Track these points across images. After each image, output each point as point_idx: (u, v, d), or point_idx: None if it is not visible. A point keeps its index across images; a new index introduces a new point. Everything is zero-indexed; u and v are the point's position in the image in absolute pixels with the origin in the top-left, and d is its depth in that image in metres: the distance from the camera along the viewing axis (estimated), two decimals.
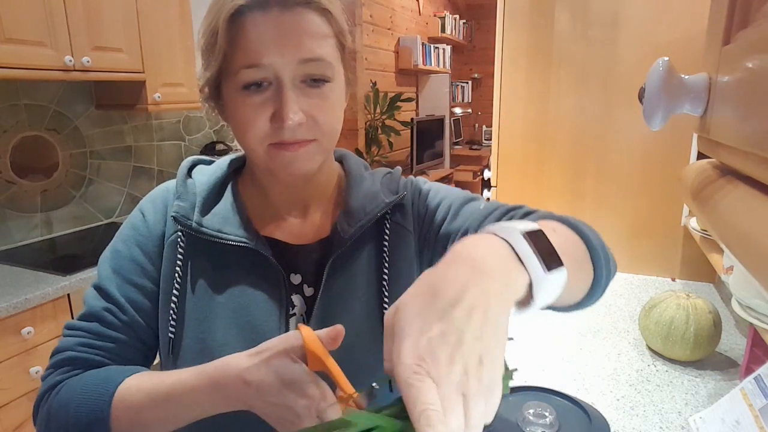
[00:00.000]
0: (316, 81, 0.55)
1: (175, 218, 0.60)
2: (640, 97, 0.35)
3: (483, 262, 0.33)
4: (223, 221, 0.61)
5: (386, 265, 0.64)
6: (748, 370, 1.03)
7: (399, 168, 0.74)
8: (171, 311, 0.59)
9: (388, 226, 0.66)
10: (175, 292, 0.60)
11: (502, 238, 0.37)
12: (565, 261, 0.37)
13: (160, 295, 0.61)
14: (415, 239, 0.68)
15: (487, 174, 1.91)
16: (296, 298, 0.63)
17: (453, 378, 0.26)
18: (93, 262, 1.76)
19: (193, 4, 2.32)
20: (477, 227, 0.61)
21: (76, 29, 1.79)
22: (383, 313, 0.62)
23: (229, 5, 0.53)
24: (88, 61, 1.82)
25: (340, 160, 0.72)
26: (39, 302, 1.56)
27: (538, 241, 0.36)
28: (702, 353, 1.15)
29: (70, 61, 1.76)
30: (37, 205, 2.05)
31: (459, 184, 6.14)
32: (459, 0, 6.56)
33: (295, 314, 0.62)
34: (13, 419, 1.56)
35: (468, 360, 0.27)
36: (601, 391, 1.08)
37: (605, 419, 0.94)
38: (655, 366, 1.18)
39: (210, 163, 0.70)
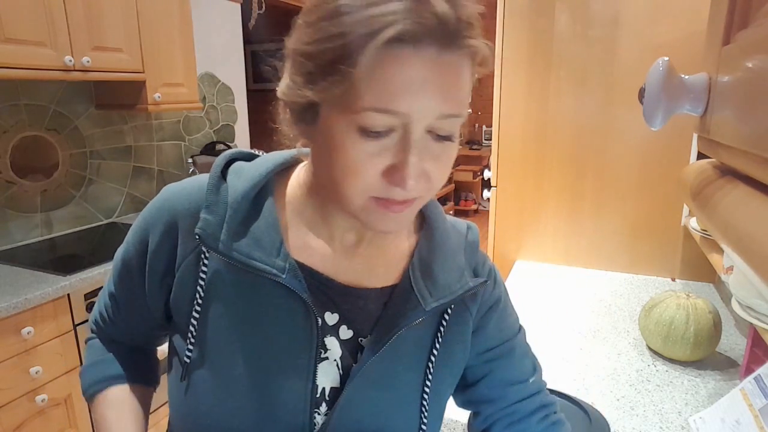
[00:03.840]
0: (443, 137, 0.46)
1: (200, 237, 0.51)
2: (640, 97, 0.35)
3: None
4: (254, 244, 0.51)
5: (439, 341, 0.58)
6: (748, 370, 1.03)
7: (475, 226, 0.66)
8: (190, 335, 0.53)
9: (453, 305, 0.59)
10: (195, 315, 0.53)
11: None
12: None
13: (173, 314, 0.56)
14: (472, 330, 0.63)
15: (487, 174, 1.91)
16: (331, 341, 0.54)
17: None
18: (93, 262, 1.77)
19: (193, 3, 2.32)
20: (511, 407, 0.65)
21: (76, 29, 1.79)
22: (424, 390, 0.58)
23: (386, 27, 0.40)
24: (88, 61, 1.82)
25: None
26: (39, 302, 1.56)
27: None
28: (702, 353, 1.15)
29: (70, 61, 1.76)
30: (37, 205, 2.05)
31: (459, 184, 6.16)
32: None
33: (327, 358, 0.54)
34: (14, 419, 1.56)
35: None
36: (601, 391, 1.08)
37: (605, 419, 0.94)
38: (655, 366, 1.18)
39: (250, 157, 0.58)
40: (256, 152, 0.59)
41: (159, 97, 2.15)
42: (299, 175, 0.57)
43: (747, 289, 0.92)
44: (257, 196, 0.54)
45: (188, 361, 0.53)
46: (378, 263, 0.58)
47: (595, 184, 1.75)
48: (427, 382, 0.58)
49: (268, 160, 0.57)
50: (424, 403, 0.58)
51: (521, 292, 1.62)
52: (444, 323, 0.59)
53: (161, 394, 0.74)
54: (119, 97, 2.18)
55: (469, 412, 0.69)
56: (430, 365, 0.58)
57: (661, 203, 1.69)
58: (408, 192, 0.45)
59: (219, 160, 0.56)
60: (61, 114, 2.12)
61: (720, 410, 0.95)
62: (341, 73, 0.42)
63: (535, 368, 0.68)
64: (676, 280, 1.72)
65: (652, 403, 1.04)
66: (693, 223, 1.56)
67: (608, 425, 0.92)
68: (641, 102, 0.35)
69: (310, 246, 0.55)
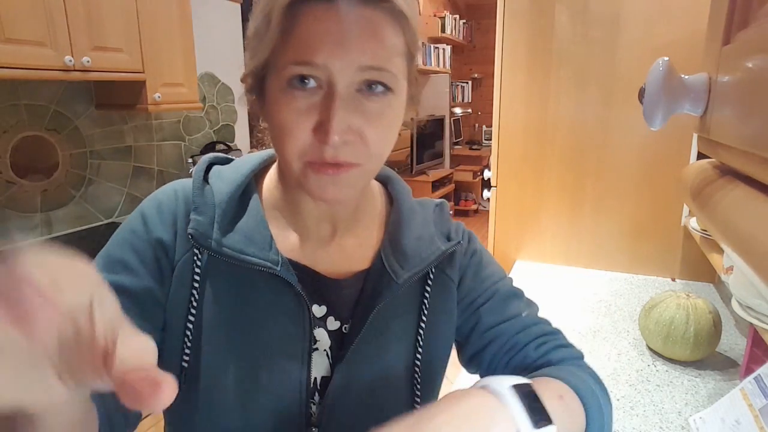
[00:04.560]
0: (374, 91, 0.47)
1: (192, 237, 0.52)
2: (640, 97, 0.35)
3: (469, 415, 0.39)
4: (246, 241, 0.53)
5: (425, 314, 0.59)
6: (748, 370, 1.03)
7: (446, 202, 0.68)
8: (186, 339, 0.53)
9: (432, 272, 0.60)
10: (190, 318, 0.53)
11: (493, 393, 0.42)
12: (558, 417, 0.43)
13: (166, 317, 0.54)
14: (456, 292, 0.63)
15: (487, 174, 1.91)
16: (319, 332, 0.56)
17: None
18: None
19: (194, 3, 2.32)
20: (507, 342, 0.61)
21: (76, 29, 1.79)
22: (415, 364, 0.59)
23: None
24: (88, 61, 1.82)
25: (384, 182, 0.65)
26: None
27: (526, 397, 0.42)
28: (702, 353, 1.15)
29: (70, 61, 1.76)
30: (37, 205, 2.05)
31: (459, 184, 6.16)
32: (459, 0, 6.56)
33: (317, 349, 0.56)
34: None
35: None
36: None
37: None
38: (655, 366, 1.18)
39: (226, 161, 0.61)
40: (231, 157, 0.62)
41: (159, 97, 2.15)
42: (272, 173, 0.60)
43: (747, 289, 0.92)
44: (242, 196, 0.56)
45: (186, 365, 0.52)
46: (353, 251, 0.59)
47: (595, 184, 1.75)
48: (417, 357, 0.59)
49: (246, 161, 0.59)
50: (416, 377, 0.59)
51: None
52: (427, 295, 0.60)
53: None
54: (119, 97, 2.18)
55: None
56: (419, 339, 0.59)
57: (661, 203, 1.69)
58: (336, 150, 0.46)
59: (200, 165, 0.59)
60: (61, 114, 2.12)
61: (720, 410, 0.95)
62: (267, 36, 0.46)
63: (529, 305, 0.67)
64: (676, 280, 1.72)
65: (652, 402, 1.04)
66: (693, 223, 1.56)
67: None
68: (641, 102, 0.35)
69: (289, 240, 0.57)
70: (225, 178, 0.56)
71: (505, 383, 0.43)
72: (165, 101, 2.20)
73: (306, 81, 0.45)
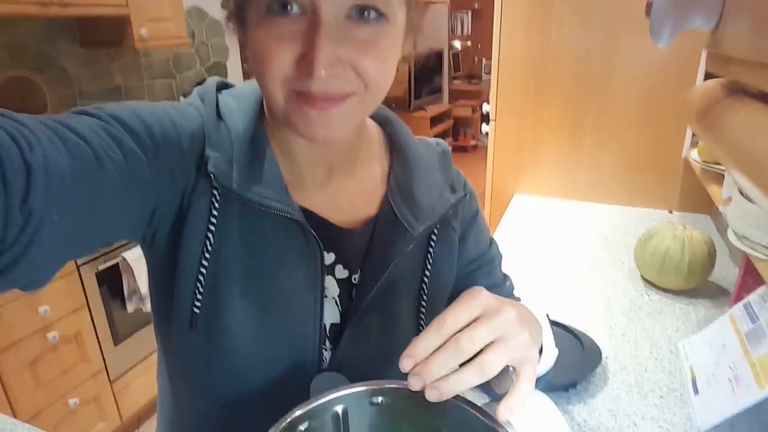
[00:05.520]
0: (366, 18, 0.42)
1: (214, 176, 0.48)
2: (648, 12, 0.33)
3: (529, 317, 0.48)
4: (266, 184, 0.49)
5: (429, 264, 0.59)
6: (738, 298, 1.06)
7: (448, 148, 0.65)
8: (198, 284, 0.50)
9: (438, 223, 0.59)
10: (204, 262, 0.50)
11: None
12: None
13: (180, 257, 0.50)
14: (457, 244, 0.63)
15: (486, 108, 1.87)
16: (328, 280, 0.55)
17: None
18: None
19: None
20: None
21: None
22: (419, 312, 0.59)
23: None
24: None
25: (382, 123, 0.61)
26: None
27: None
28: (695, 282, 1.18)
29: None
30: None
31: (458, 120, 6.06)
32: None
33: (326, 296, 0.55)
34: (29, 354, 1.62)
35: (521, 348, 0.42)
36: (594, 319, 1.11)
37: (598, 346, 0.98)
38: (648, 295, 1.21)
39: (224, 87, 0.56)
40: (229, 82, 0.56)
41: (145, 33, 2.06)
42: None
43: (744, 219, 0.93)
44: (255, 133, 0.51)
45: (197, 311, 0.50)
46: (354, 195, 0.57)
47: (596, 116, 1.72)
48: (422, 306, 0.59)
49: (249, 92, 0.54)
50: (421, 327, 0.60)
51: (519, 226, 1.64)
52: (432, 245, 0.59)
53: None
54: (104, 34, 2.09)
55: None
56: (424, 287, 0.59)
57: (663, 136, 1.67)
58: (326, 85, 0.42)
59: (210, 95, 0.53)
60: (44, 53, 2.04)
61: (708, 336, 0.99)
62: None
63: (506, 275, 0.71)
64: (674, 212, 1.73)
65: (643, 330, 1.07)
66: (694, 155, 1.55)
67: (600, 351, 0.96)
68: (648, 17, 0.33)
69: (292, 183, 0.53)
70: (238, 114, 0.52)
71: (541, 312, 0.51)
72: (152, 37, 2.11)
73: (288, 7, 0.40)
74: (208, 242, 0.49)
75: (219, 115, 0.51)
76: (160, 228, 0.50)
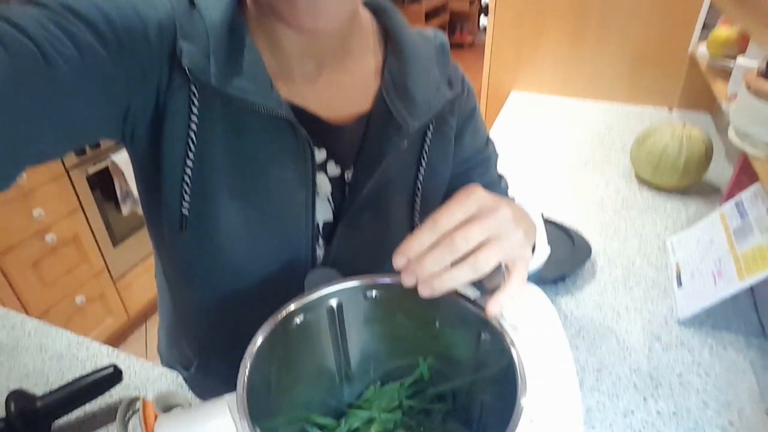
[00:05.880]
0: None
1: (190, 70, 0.44)
2: None
3: (524, 216, 0.48)
4: (247, 79, 0.46)
5: (424, 161, 0.57)
6: (730, 196, 1.07)
7: (446, 41, 0.60)
8: (184, 185, 0.48)
9: (433, 119, 0.57)
10: (188, 162, 0.47)
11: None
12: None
13: (162, 158, 0.48)
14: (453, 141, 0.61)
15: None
16: (320, 177, 0.53)
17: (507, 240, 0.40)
18: None
19: None
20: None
21: None
22: (413, 209, 0.59)
23: None
24: None
25: (376, 11, 0.57)
26: None
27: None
28: (689, 181, 1.18)
29: None
30: None
31: (454, 14, 5.71)
32: None
33: (318, 194, 0.54)
34: (30, 256, 1.65)
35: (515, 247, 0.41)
36: (586, 217, 1.12)
37: (588, 242, 1.00)
38: (641, 194, 1.21)
39: None
40: None
41: None
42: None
43: (749, 116, 0.90)
44: (233, 23, 0.47)
45: (187, 213, 0.49)
46: (347, 89, 0.54)
47: (600, 8, 1.61)
48: (416, 204, 0.59)
49: None
50: (415, 225, 0.60)
51: (515, 124, 1.60)
52: (427, 141, 0.57)
53: None
54: None
55: None
56: (418, 184, 0.58)
57: (670, 28, 1.58)
58: None
59: None
60: None
61: (697, 232, 1.01)
62: None
63: (501, 175, 0.71)
64: (673, 110, 1.70)
65: (633, 227, 1.09)
66: (702, 50, 1.48)
67: (590, 247, 0.98)
68: None
69: (279, 76, 0.50)
70: (213, 2, 0.47)
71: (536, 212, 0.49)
72: None
73: None
74: (190, 141, 0.47)
75: (192, 3, 0.47)
76: (138, 126, 0.47)
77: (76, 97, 0.39)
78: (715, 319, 0.84)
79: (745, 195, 0.94)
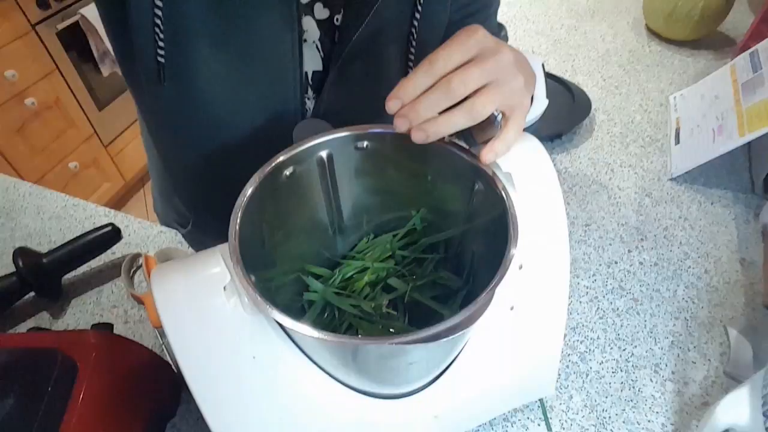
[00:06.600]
0: None
1: None
2: None
3: (525, 61, 0.43)
4: None
5: (420, 3, 0.52)
6: (745, 48, 1.01)
7: None
8: (156, 28, 0.44)
9: None
10: (158, 2, 0.43)
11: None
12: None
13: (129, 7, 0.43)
14: None
15: None
16: (307, 21, 0.49)
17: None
18: None
19: None
20: None
21: None
22: (408, 59, 0.55)
23: None
24: None
25: None
26: None
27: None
28: (704, 32, 1.10)
29: None
30: None
31: None
32: None
33: (306, 41, 0.50)
34: (13, 122, 1.61)
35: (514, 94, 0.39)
36: (589, 71, 1.07)
37: (588, 98, 0.96)
38: (649, 47, 1.14)
39: None
40: None
41: None
42: None
43: None
44: None
45: (162, 60, 0.46)
46: None
47: None
48: (411, 51, 0.55)
49: None
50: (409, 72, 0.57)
51: None
52: None
53: None
54: None
55: None
56: (413, 30, 0.54)
57: None
58: None
59: None
60: None
61: (702, 87, 0.96)
62: None
63: (501, 25, 0.67)
64: None
65: (637, 82, 1.04)
66: None
67: (590, 103, 0.95)
68: None
69: None
70: None
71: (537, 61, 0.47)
72: None
73: None
74: None
75: None
76: None
77: None
78: (708, 177, 0.84)
79: (763, 44, 0.88)
